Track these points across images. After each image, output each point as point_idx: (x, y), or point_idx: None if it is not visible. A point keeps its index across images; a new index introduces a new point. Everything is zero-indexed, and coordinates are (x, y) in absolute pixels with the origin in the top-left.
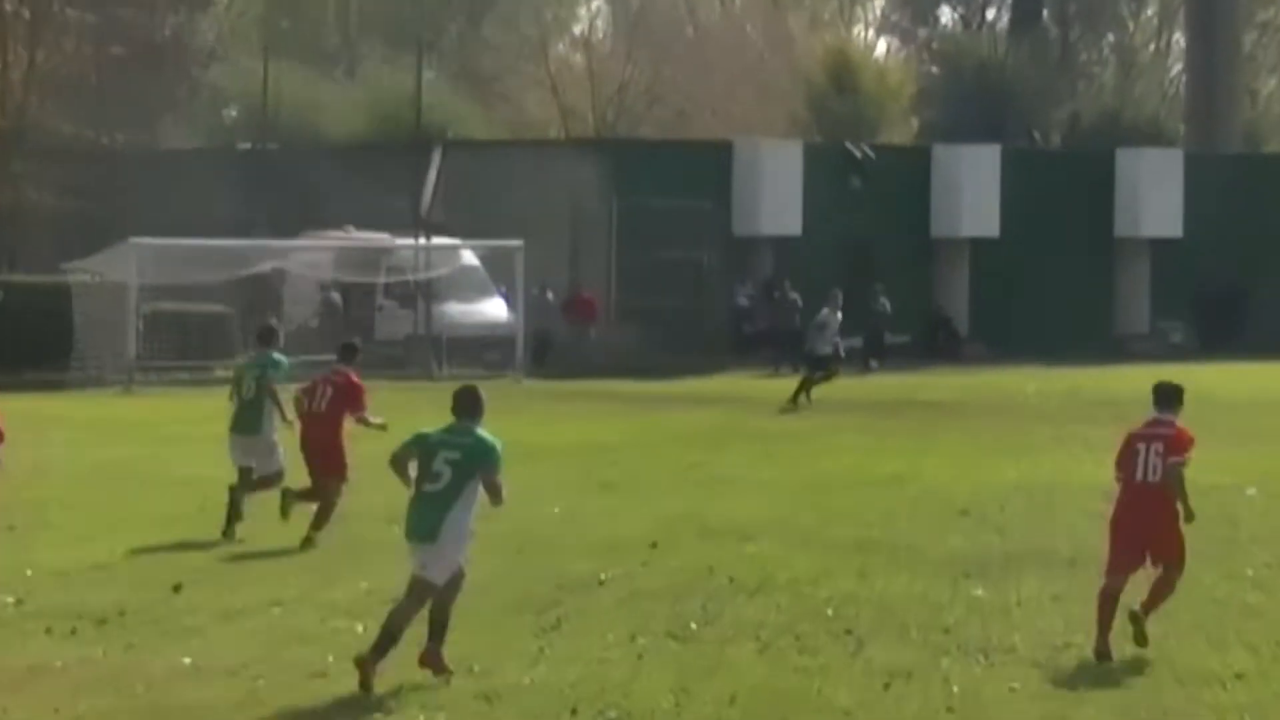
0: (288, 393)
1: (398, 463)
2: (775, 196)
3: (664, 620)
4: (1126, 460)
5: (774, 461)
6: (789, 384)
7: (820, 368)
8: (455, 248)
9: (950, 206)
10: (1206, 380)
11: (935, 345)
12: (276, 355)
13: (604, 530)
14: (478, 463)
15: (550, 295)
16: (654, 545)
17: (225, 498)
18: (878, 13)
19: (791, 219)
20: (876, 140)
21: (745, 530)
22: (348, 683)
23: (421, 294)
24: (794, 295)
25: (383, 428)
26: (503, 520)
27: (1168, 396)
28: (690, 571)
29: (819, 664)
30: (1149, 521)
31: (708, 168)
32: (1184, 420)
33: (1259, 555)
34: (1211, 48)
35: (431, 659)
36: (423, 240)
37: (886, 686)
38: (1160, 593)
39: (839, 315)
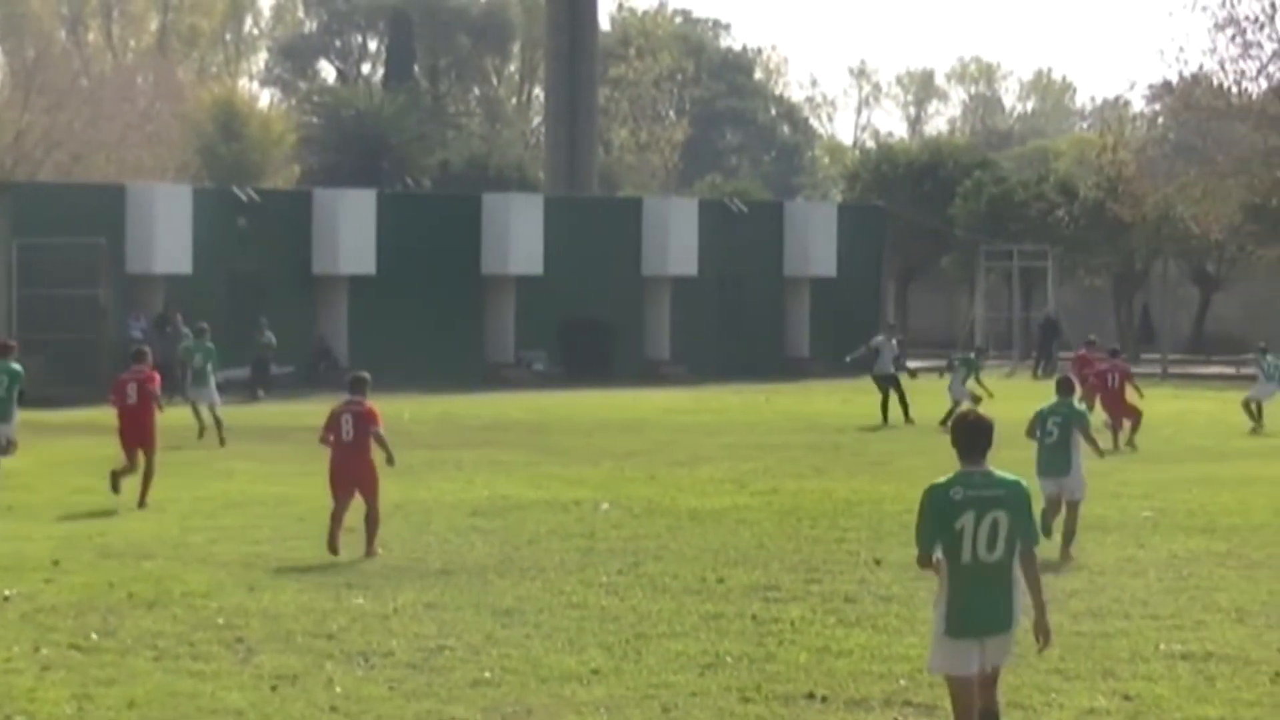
0: None
1: (1030, 429)
2: (166, 236)
3: (67, 633)
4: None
5: (166, 485)
6: (181, 414)
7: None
8: None
9: (330, 246)
10: (568, 405)
11: (317, 375)
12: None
13: (7, 551)
14: (1073, 422)
15: None
16: (56, 563)
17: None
18: (262, 65)
19: (182, 257)
20: (261, 184)
21: (142, 549)
22: None
23: None
24: (185, 329)
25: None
26: None
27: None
28: (91, 588)
29: (212, 670)
30: None
31: (103, 209)
32: (553, 444)
33: (613, 564)
34: (570, 101)
35: (1066, 555)
36: None
37: (274, 689)
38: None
39: (893, 341)
